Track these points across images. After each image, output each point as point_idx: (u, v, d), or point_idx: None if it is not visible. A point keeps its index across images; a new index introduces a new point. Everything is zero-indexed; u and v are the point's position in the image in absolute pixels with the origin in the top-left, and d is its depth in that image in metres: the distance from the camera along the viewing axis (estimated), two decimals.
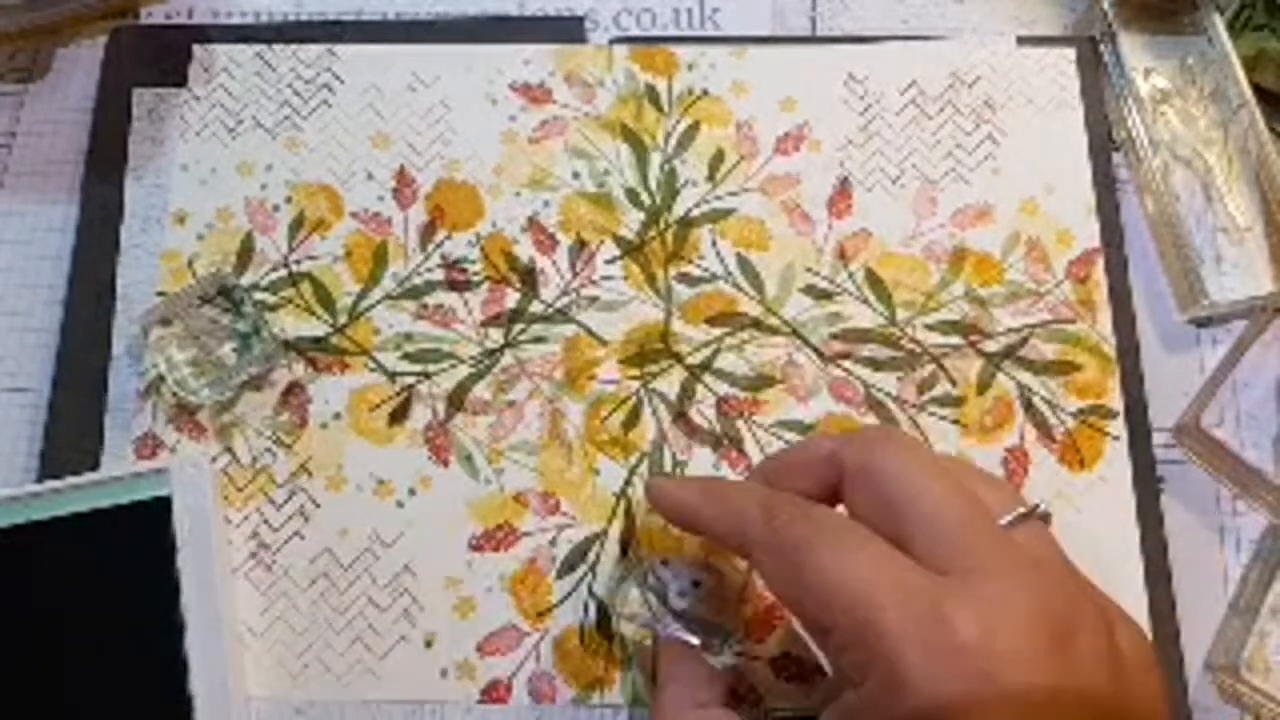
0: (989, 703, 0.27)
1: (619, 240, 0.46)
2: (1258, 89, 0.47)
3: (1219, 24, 0.48)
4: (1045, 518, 0.33)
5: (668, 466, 0.43)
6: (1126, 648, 0.30)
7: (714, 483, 0.38)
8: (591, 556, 0.42)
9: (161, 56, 0.49)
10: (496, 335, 0.45)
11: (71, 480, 0.41)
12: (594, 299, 0.46)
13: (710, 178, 0.47)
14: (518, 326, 0.45)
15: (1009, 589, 0.29)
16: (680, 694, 0.36)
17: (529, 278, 0.46)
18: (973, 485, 0.32)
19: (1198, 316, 0.45)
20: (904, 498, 0.31)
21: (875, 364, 0.45)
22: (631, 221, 0.47)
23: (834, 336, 0.45)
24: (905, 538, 0.30)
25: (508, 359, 0.45)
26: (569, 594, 0.42)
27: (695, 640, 0.37)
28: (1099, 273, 0.46)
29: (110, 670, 0.39)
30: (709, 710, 0.35)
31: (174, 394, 0.44)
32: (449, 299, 0.46)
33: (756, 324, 0.45)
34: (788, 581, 0.32)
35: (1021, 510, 0.32)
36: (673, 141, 0.48)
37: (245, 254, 0.46)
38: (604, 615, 0.41)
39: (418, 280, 0.46)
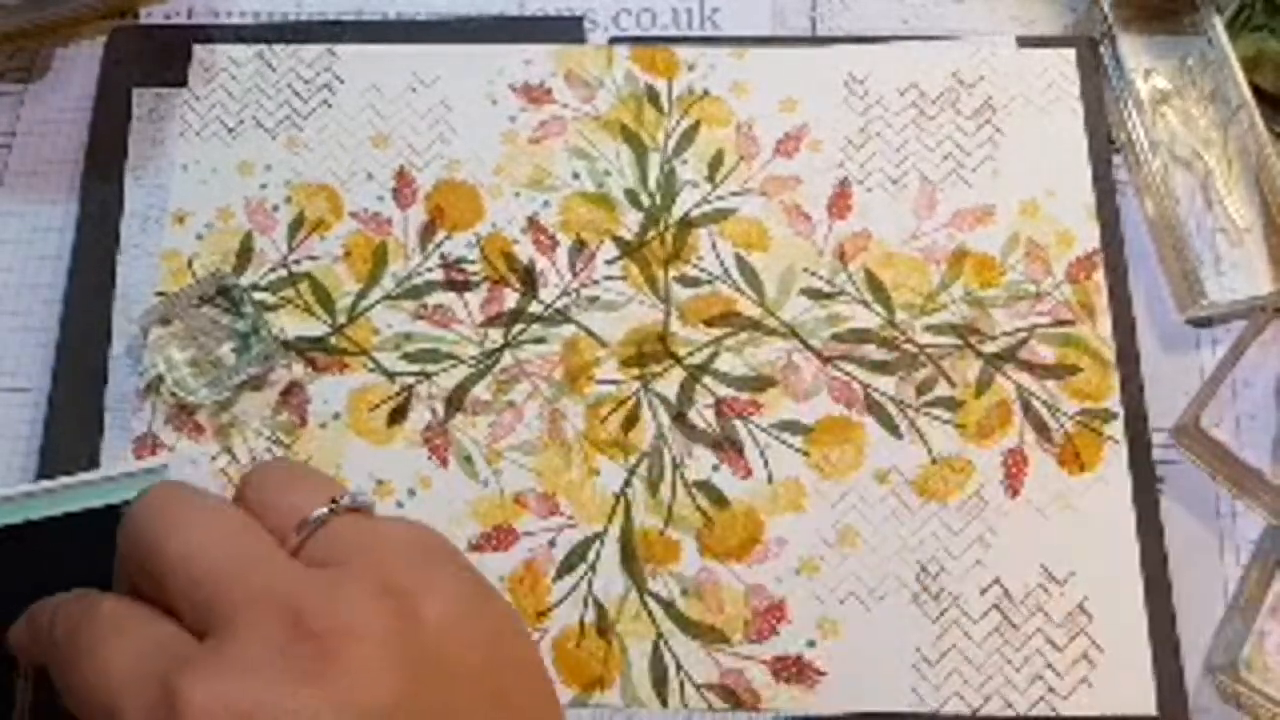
0: None
1: (619, 241, 0.46)
2: (1257, 90, 0.47)
3: (1218, 25, 0.48)
4: (362, 508, 0.28)
5: (667, 467, 0.43)
6: (435, 617, 0.25)
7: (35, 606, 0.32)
8: (591, 557, 0.42)
9: (161, 56, 0.49)
10: (496, 335, 0.45)
11: (70, 479, 0.41)
12: (594, 299, 0.46)
13: (710, 178, 0.47)
14: (517, 327, 0.45)
15: (255, 639, 0.25)
16: None
17: (529, 278, 0.46)
18: (271, 497, 0.28)
19: (1197, 317, 0.45)
20: (158, 558, 0.27)
21: (874, 366, 0.45)
22: (631, 222, 0.47)
23: (833, 338, 0.45)
24: (172, 605, 0.26)
25: (507, 359, 0.45)
26: (568, 594, 0.42)
27: None
28: (1099, 274, 0.46)
29: None
30: None
31: (173, 394, 0.44)
32: (448, 299, 0.46)
33: (756, 325, 0.45)
34: (63, 690, 0.27)
35: (321, 512, 0.27)
36: (673, 142, 0.48)
37: (245, 254, 0.46)
38: (603, 615, 0.41)
39: (417, 280, 0.46)
